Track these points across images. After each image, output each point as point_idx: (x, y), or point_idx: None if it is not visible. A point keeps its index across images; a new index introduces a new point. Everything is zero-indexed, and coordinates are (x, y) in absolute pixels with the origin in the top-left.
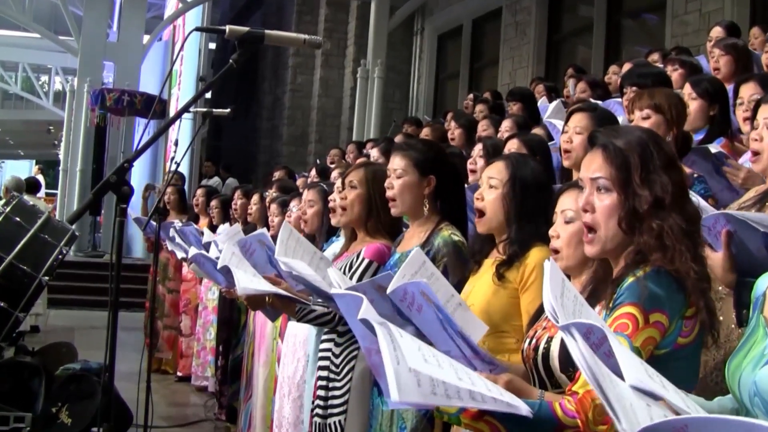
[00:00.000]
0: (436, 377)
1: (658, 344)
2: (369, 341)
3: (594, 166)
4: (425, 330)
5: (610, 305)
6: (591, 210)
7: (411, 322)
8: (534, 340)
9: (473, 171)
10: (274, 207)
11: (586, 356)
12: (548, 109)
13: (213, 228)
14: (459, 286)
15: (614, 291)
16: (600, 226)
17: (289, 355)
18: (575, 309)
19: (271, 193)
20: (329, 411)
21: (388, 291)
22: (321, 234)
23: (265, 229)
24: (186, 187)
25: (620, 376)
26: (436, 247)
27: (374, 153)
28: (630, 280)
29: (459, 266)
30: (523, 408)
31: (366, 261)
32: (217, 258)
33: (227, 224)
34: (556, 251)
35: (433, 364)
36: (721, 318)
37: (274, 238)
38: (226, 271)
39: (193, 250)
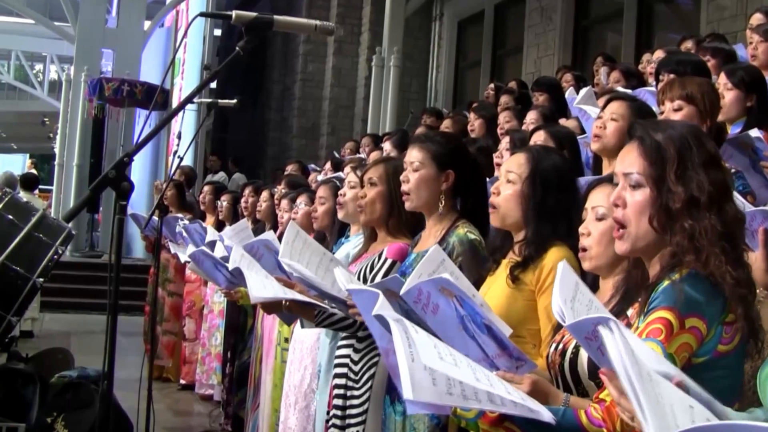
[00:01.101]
0: (452, 376)
1: (696, 352)
2: (386, 341)
3: (628, 160)
4: (440, 333)
5: (644, 310)
6: (622, 205)
7: (423, 326)
8: (560, 345)
9: (499, 165)
10: (284, 203)
11: (622, 351)
12: (578, 95)
13: (221, 227)
14: (476, 287)
15: (648, 295)
16: (630, 223)
17: (295, 362)
18: (589, 314)
19: (280, 189)
20: (347, 421)
21: (402, 292)
22: (332, 233)
23: (271, 233)
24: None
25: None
26: (451, 246)
27: (387, 146)
28: (665, 283)
29: (475, 266)
30: (545, 414)
31: (389, 261)
32: (223, 258)
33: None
34: (584, 249)
35: (449, 363)
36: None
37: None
38: (238, 273)
39: (191, 248)
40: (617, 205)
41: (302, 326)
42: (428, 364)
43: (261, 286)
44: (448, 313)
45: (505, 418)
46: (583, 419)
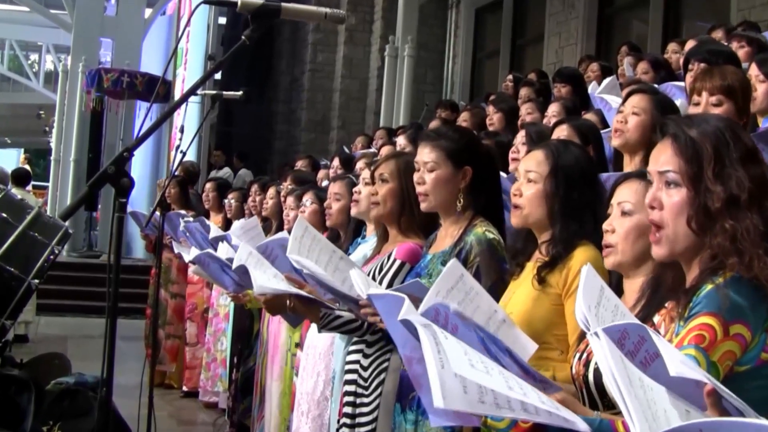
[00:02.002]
0: (484, 384)
1: (739, 360)
2: (410, 348)
3: (663, 158)
4: None
5: (685, 315)
6: (659, 206)
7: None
8: (585, 355)
9: (515, 160)
10: (290, 201)
11: (609, 357)
12: (602, 84)
13: (228, 226)
14: (495, 289)
15: (689, 299)
16: (668, 225)
17: (308, 368)
18: (614, 321)
19: (286, 185)
20: (357, 429)
21: (420, 311)
22: (348, 232)
23: (287, 233)
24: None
25: (665, 378)
26: (469, 246)
27: (401, 141)
28: (708, 287)
29: (493, 267)
30: (580, 424)
31: (398, 262)
32: (229, 259)
33: (242, 221)
34: (608, 246)
35: (481, 371)
36: None
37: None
38: (243, 272)
39: (194, 251)
40: (653, 206)
41: (319, 331)
42: (459, 372)
43: (266, 279)
44: (467, 334)
45: (538, 429)
46: (620, 429)
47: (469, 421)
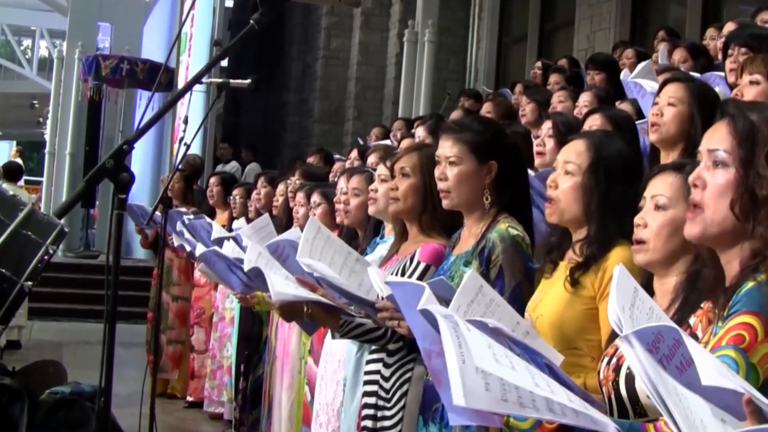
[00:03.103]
0: (508, 381)
1: None
2: (430, 341)
3: (716, 138)
4: None
5: (724, 315)
6: (701, 186)
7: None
8: (614, 360)
9: (540, 154)
10: (299, 197)
11: (645, 365)
12: (636, 68)
13: (232, 223)
14: (520, 290)
15: (729, 298)
16: (708, 206)
17: (327, 378)
18: (650, 323)
19: (294, 180)
20: None
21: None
22: (367, 231)
23: (297, 230)
24: None
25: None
26: (491, 243)
27: (420, 132)
28: (749, 284)
29: (518, 265)
30: (610, 425)
31: (422, 265)
32: (237, 259)
33: (242, 220)
34: (640, 242)
35: (506, 366)
36: None
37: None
38: (256, 275)
39: (200, 248)
40: (696, 185)
41: (333, 337)
42: (482, 367)
43: (284, 284)
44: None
45: (564, 429)
46: None
47: (490, 421)
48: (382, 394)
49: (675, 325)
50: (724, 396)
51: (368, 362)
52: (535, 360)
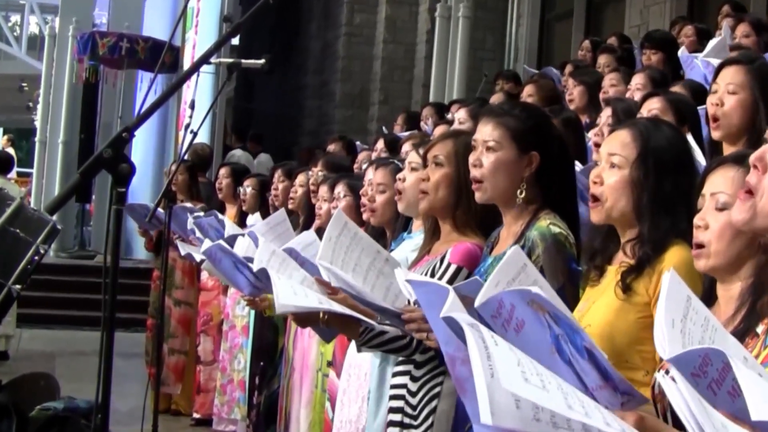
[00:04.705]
0: (539, 403)
1: None
2: (454, 347)
3: None
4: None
5: None
6: (762, 168)
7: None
8: (669, 372)
9: (599, 145)
10: (322, 190)
11: (689, 402)
12: (708, 46)
13: (243, 219)
14: (562, 295)
15: None
16: (765, 192)
17: (351, 393)
18: (704, 337)
19: (316, 171)
20: None
21: (477, 304)
22: (396, 230)
23: (313, 232)
24: None
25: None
26: (531, 242)
27: (461, 115)
28: None
29: (560, 267)
30: None
31: (453, 267)
32: (246, 258)
33: (257, 215)
34: (700, 246)
35: (536, 385)
36: None
37: (322, 232)
38: (266, 277)
39: (206, 243)
40: (755, 166)
41: (358, 350)
42: (510, 388)
43: (290, 292)
44: (537, 331)
45: None
46: None
47: None
48: (409, 410)
49: (719, 349)
50: None
51: (394, 375)
52: (574, 341)
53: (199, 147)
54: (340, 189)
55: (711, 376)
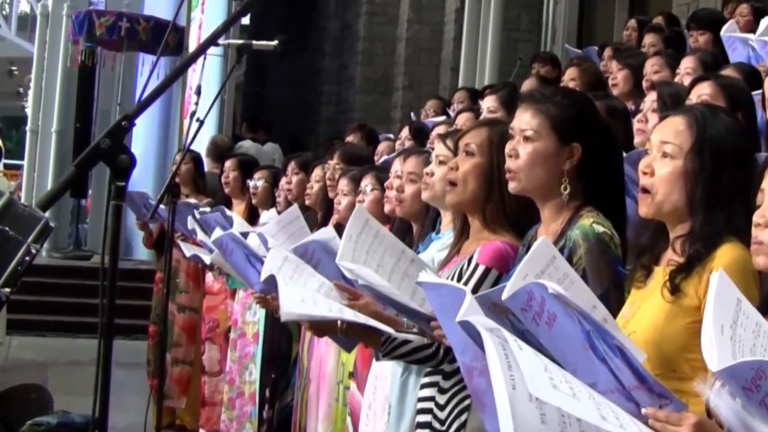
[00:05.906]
0: (570, 411)
1: None
2: (470, 356)
3: None
4: (557, 352)
5: None
6: None
7: (534, 342)
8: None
9: (642, 131)
10: (342, 184)
11: (739, 417)
12: (761, 26)
13: (252, 215)
14: (606, 300)
15: None
16: None
17: (376, 407)
18: (756, 345)
19: (333, 164)
20: None
21: (504, 296)
22: (425, 225)
23: (330, 229)
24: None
25: None
26: (573, 242)
27: (490, 103)
28: None
29: (604, 270)
30: None
31: (481, 268)
32: (261, 257)
33: (273, 211)
34: (760, 243)
35: (566, 393)
36: None
37: (341, 228)
38: (274, 284)
39: (218, 231)
40: None
41: (376, 358)
42: (538, 394)
43: (297, 299)
44: (569, 325)
45: None
46: None
47: None
48: (437, 425)
49: None
50: None
51: (422, 387)
52: (606, 341)
53: (219, 138)
54: (368, 182)
55: (765, 390)
